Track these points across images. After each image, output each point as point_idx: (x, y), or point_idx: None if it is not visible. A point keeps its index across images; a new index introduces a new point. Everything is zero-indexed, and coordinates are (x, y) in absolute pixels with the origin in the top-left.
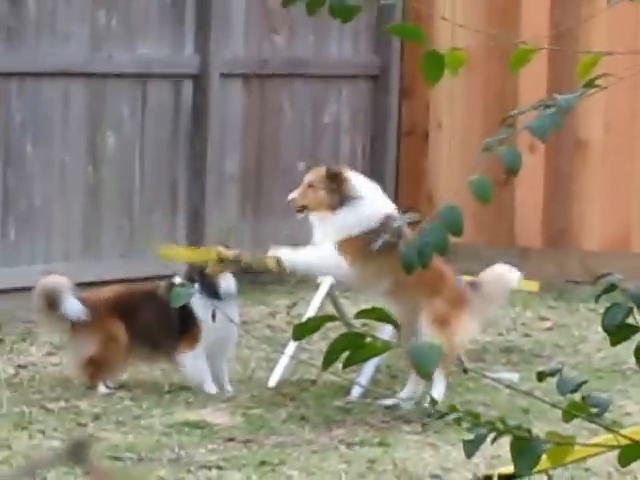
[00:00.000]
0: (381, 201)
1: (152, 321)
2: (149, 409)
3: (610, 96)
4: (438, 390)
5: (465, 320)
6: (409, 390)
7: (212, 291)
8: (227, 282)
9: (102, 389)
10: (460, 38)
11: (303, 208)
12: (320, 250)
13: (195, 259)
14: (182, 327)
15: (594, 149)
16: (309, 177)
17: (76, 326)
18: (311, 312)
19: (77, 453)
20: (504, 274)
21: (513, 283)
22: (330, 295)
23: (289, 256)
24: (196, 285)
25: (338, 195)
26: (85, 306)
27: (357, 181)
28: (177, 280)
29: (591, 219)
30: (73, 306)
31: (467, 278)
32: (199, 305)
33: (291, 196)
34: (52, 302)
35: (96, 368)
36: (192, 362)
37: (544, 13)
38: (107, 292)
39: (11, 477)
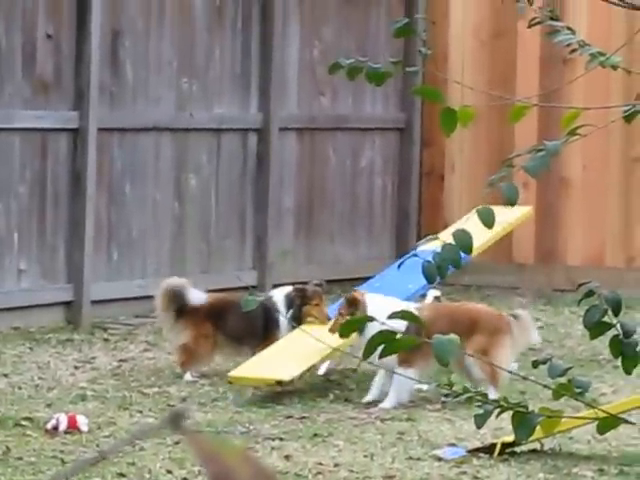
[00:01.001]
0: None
1: (239, 324)
2: (224, 393)
3: (586, 142)
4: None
5: (503, 347)
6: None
7: (296, 322)
8: (310, 324)
9: (188, 376)
10: (468, 97)
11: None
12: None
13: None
14: (265, 333)
15: (575, 185)
16: (340, 305)
17: (178, 322)
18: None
19: (176, 422)
20: (530, 318)
21: (534, 326)
22: (439, 302)
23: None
24: (289, 311)
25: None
26: (188, 306)
27: (371, 301)
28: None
29: (574, 240)
30: (195, 294)
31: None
32: (284, 326)
33: (329, 328)
34: (175, 296)
35: (187, 357)
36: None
37: (534, 77)
38: (208, 297)
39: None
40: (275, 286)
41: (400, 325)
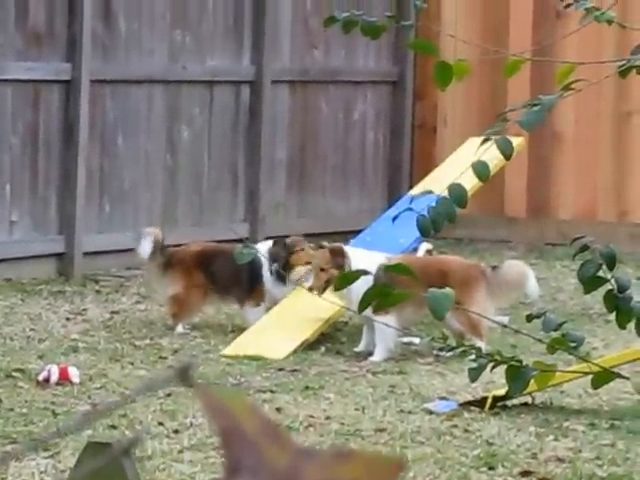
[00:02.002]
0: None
1: (227, 273)
2: (216, 345)
3: (579, 96)
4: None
5: (477, 297)
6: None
7: (282, 276)
8: (297, 275)
9: (179, 329)
10: (461, 51)
11: (324, 288)
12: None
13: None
14: (250, 285)
15: (567, 139)
16: (316, 261)
17: (167, 272)
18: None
19: (184, 374)
20: (523, 268)
21: (530, 278)
22: (431, 255)
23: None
24: (275, 265)
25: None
26: (177, 257)
27: (352, 254)
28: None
29: (565, 194)
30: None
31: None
32: (268, 279)
33: (308, 285)
34: (160, 247)
35: (179, 308)
36: (254, 316)
37: (527, 32)
38: (195, 246)
39: (131, 393)
40: (267, 239)
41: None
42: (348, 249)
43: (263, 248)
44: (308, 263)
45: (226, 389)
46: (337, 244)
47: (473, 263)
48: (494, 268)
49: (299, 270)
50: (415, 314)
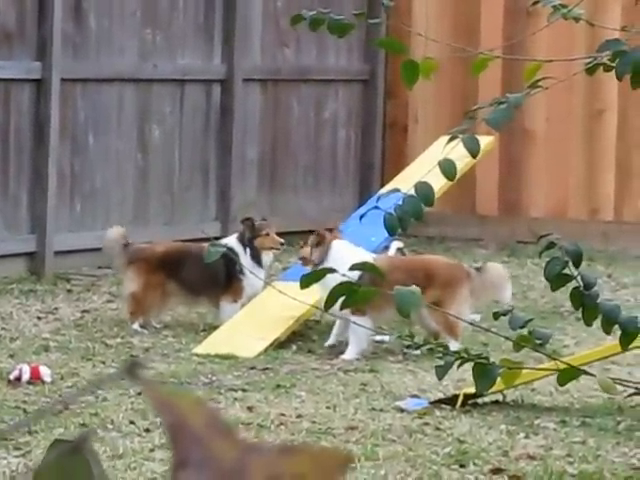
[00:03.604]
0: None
1: (197, 274)
2: (187, 344)
3: (550, 94)
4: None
5: (459, 298)
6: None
7: (257, 259)
8: (269, 256)
9: (135, 326)
10: (432, 49)
11: (314, 264)
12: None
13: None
14: (227, 281)
15: (538, 137)
16: (312, 239)
17: (128, 270)
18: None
19: (132, 371)
20: (503, 272)
21: (508, 282)
22: (402, 253)
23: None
24: (246, 249)
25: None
26: (139, 255)
27: (336, 247)
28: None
29: (536, 192)
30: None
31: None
32: (247, 264)
33: (301, 255)
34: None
35: (135, 306)
36: (231, 311)
37: (498, 29)
38: (160, 246)
39: (79, 392)
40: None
41: (354, 275)
42: (335, 242)
43: (231, 240)
44: (273, 249)
45: (173, 386)
46: (330, 232)
47: (458, 264)
48: (478, 269)
49: (266, 255)
50: (392, 315)
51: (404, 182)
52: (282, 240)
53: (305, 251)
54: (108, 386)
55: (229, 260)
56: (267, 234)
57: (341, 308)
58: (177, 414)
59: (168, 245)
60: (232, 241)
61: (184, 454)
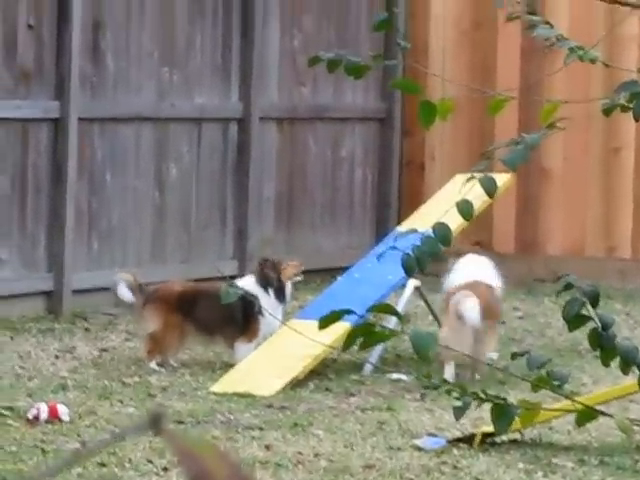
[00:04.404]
0: None
1: (213, 314)
2: (205, 382)
3: (567, 132)
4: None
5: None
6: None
7: (281, 295)
8: (290, 289)
9: (153, 365)
10: (449, 88)
11: None
12: None
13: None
14: (243, 322)
15: (555, 175)
16: None
17: (145, 310)
18: (399, 307)
19: (156, 423)
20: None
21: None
22: (419, 292)
23: None
24: (269, 288)
25: None
26: (156, 295)
27: None
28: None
29: (554, 230)
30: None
31: None
32: (267, 305)
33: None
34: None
35: (153, 345)
36: (246, 352)
37: (516, 68)
38: (176, 286)
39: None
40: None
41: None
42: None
43: (248, 281)
44: (297, 275)
45: (194, 436)
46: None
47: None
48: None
49: (289, 285)
50: None
51: (420, 220)
52: (300, 262)
53: None
54: (132, 413)
55: (246, 301)
56: (287, 265)
57: (360, 349)
58: (201, 466)
59: (184, 284)
60: (249, 283)
61: None
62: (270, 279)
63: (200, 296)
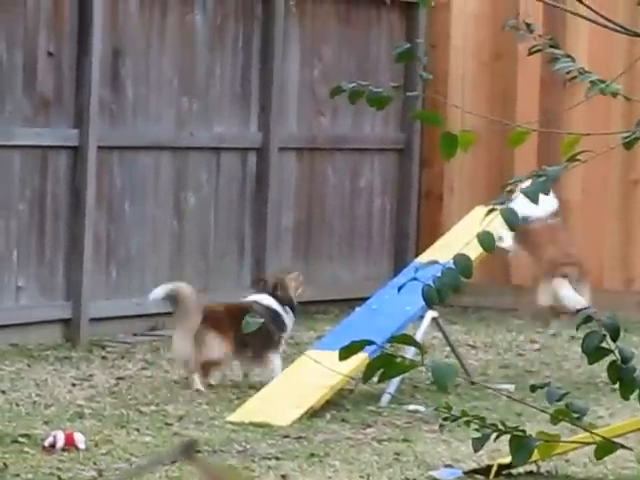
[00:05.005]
0: None
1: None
2: (221, 412)
3: (586, 166)
4: None
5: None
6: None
7: (292, 307)
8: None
9: (198, 385)
10: (468, 120)
11: None
12: None
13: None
14: (276, 337)
15: (573, 207)
16: None
17: (200, 328)
18: (417, 338)
19: (187, 452)
20: None
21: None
22: (437, 323)
23: None
24: (285, 307)
25: None
26: (207, 315)
27: None
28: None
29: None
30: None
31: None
32: (285, 317)
33: None
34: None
35: (206, 365)
36: (278, 361)
37: (535, 99)
38: (222, 306)
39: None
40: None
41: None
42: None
43: (267, 299)
44: (299, 287)
45: (224, 465)
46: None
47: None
48: None
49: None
50: None
51: (439, 252)
52: (298, 273)
53: None
54: (148, 442)
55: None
56: (289, 282)
57: (379, 381)
58: None
59: (228, 304)
60: (269, 300)
61: None
62: (286, 298)
63: (241, 314)
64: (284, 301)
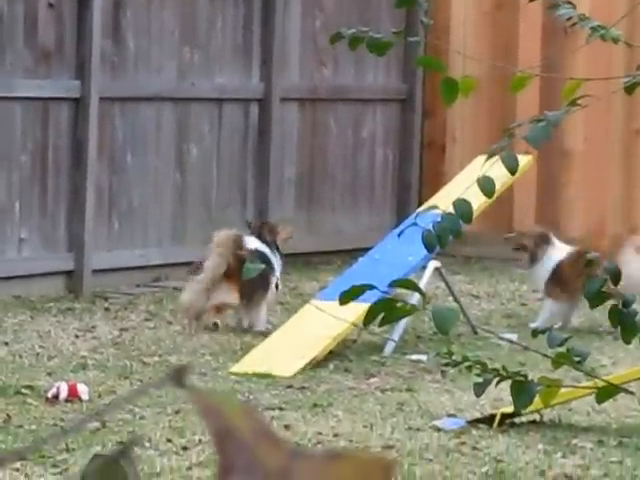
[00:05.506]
0: None
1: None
2: (225, 363)
3: (588, 114)
4: None
5: None
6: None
7: (279, 251)
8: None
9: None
10: (470, 67)
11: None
12: None
13: None
14: (263, 282)
15: (576, 156)
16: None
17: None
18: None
19: (178, 378)
20: None
21: None
22: (439, 273)
23: None
24: (269, 247)
25: None
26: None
27: None
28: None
29: (574, 211)
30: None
31: None
32: (273, 259)
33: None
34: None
35: (218, 309)
36: (265, 310)
37: (537, 47)
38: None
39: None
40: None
41: None
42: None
43: (252, 242)
44: (287, 239)
45: (219, 392)
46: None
47: None
48: None
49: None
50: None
51: (441, 201)
52: (291, 228)
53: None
54: (151, 393)
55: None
56: (281, 229)
57: (380, 325)
58: (223, 420)
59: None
60: (257, 244)
61: (230, 460)
62: (269, 241)
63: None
64: (271, 244)
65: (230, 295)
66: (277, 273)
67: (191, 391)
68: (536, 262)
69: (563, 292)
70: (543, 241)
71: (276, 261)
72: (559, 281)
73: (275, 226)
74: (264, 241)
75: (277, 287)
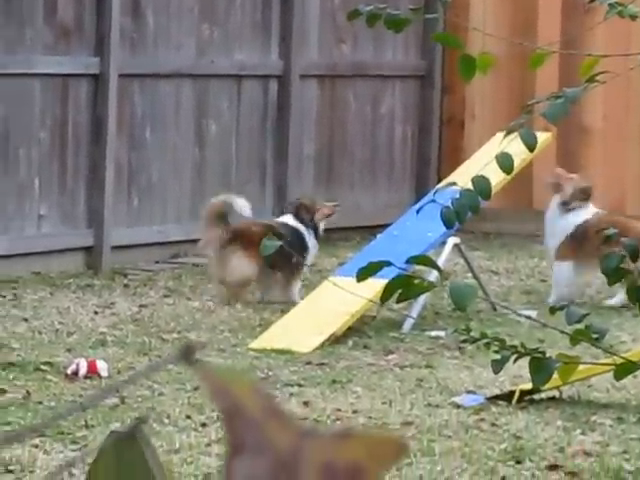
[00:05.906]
0: None
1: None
2: (244, 339)
3: (607, 91)
4: None
5: None
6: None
7: (316, 233)
8: (322, 230)
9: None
10: (489, 44)
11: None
12: None
13: None
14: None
15: (595, 133)
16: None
17: (222, 247)
18: (440, 263)
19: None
20: None
21: None
22: (459, 249)
23: None
24: (309, 229)
25: None
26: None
27: None
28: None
29: (594, 188)
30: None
31: None
32: (310, 241)
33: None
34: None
35: (235, 284)
36: (297, 285)
37: (556, 24)
38: (251, 225)
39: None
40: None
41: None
42: None
43: (290, 219)
44: (329, 216)
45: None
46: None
47: None
48: None
49: (321, 226)
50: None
51: (460, 178)
52: (334, 204)
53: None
54: (163, 370)
55: (296, 238)
56: (321, 206)
57: (398, 301)
58: (232, 399)
59: (256, 223)
60: (292, 221)
61: (239, 439)
62: (305, 219)
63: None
64: (308, 223)
65: (245, 269)
66: (312, 251)
67: (200, 369)
68: (564, 212)
69: (576, 253)
70: (582, 194)
71: (310, 239)
72: (577, 240)
73: (312, 204)
74: (300, 219)
75: (304, 264)
